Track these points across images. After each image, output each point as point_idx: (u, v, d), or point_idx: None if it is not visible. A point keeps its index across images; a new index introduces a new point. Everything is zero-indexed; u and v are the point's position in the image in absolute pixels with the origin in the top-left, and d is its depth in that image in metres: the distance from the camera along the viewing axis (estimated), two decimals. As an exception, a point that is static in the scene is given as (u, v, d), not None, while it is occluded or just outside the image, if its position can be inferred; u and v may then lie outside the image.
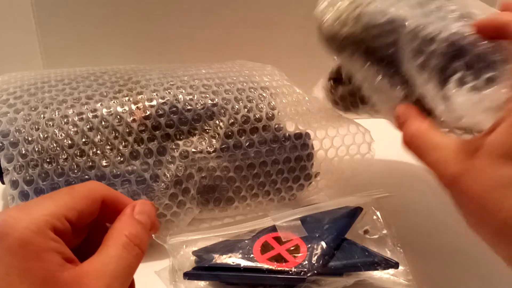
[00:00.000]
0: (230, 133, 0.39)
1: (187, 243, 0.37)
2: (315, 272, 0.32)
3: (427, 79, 0.29)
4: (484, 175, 0.24)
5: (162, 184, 0.37)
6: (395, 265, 0.34)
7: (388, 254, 0.36)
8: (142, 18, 0.53)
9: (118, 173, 0.36)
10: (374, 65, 0.33)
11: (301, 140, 0.42)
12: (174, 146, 0.38)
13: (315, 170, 0.43)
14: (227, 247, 0.36)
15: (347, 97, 0.42)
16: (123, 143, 0.37)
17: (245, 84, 0.42)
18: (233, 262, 0.34)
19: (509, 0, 0.29)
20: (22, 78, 0.41)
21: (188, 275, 0.35)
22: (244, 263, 0.34)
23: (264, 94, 0.42)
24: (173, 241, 0.36)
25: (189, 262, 0.36)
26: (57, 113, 0.37)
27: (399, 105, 0.31)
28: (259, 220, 0.38)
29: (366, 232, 0.38)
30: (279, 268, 0.33)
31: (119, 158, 0.37)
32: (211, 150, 0.39)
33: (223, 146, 0.39)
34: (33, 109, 0.37)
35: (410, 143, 0.29)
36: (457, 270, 0.38)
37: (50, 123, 0.36)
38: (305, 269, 0.33)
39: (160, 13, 0.53)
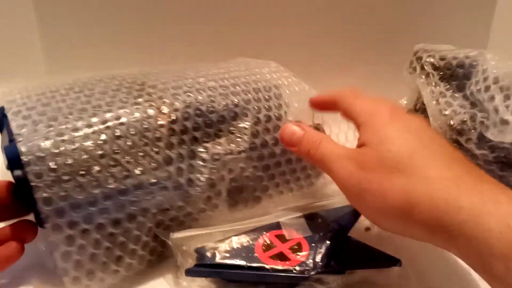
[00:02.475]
0: (256, 132, 0.41)
1: (190, 239, 0.37)
2: (319, 270, 0.33)
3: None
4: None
5: (198, 188, 0.38)
6: (398, 263, 0.35)
7: (390, 251, 0.37)
8: (143, 16, 0.53)
9: (155, 180, 0.36)
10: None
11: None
12: (202, 149, 0.39)
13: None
14: (228, 244, 0.36)
15: None
16: (155, 149, 0.37)
17: (259, 83, 0.43)
18: (236, 260, 0.35)
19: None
20: (26, 89, 0.39)
21: (190, 272, 0.35)
22: (246, 261, 0.34)
23: (278, 92, 0.44)
24: (176, 237, 0.36)
25: (192, 259, 0.36)
26: (80, 122, 0.36)
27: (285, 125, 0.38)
28: (262, 217, 0.39)
29: (367, 229, 0.40)
30: (282, 267, 0.34)
31: (153, 165, 0.36)
32: (241, 150, 0.40)
33: (252, 145, 0.40)
34: (52, 119, 0.35)
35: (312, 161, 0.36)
36: (459, 266, 0.39)
37: (74, 133, 0.35)
38: (309, 268, 0.33)
39: (161, 11, 0.53)
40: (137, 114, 0.37)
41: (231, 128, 0.40)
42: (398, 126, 0.33)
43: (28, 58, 0.50)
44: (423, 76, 0.46)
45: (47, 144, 0.34)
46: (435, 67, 0.46)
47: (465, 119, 0.41)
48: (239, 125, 0.40)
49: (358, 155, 0.33)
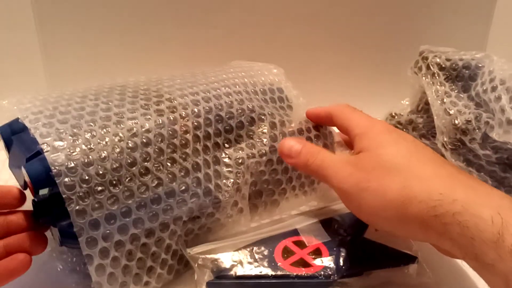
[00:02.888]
0: (274, 136, 0.41)
1: (206, 252, 0.37)
2: (344, 274, 0.34)
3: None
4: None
5: (226, 194, 0.38)
6: (415, 260, 0.36)
7: (403, 249, 0.38)
8: (142, 18, 0.51)
9: (185, 187, 0.36)
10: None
11: (322, 139, 0.46)
12: (224, 155, 0.39)
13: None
14: (247, 253, 0.36)
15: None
16: (183, 156, 0.36)
17: (264, 86, 0.44)
18: (260, 270, 0.35)
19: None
20: (36, 98, 0.37)
21: (211, 285, 0.35)
22: (269, 270, 0.35)
23: (283, 96, 0.45)
24: (193, 251, 0.36)
25: (209, 271, 0.36)
26: (105, 130, 0.34)
27: (283, 140, 0.39)
28: (277, 225, 0.40)
29: (377, 229, 0.39)
30: (308, 273, 0.34)
31: (183, 172, 0.36)
32: (262, 153, 0.40)
33: (271, 149, 0.41)
34: (76, 128, 0.34)
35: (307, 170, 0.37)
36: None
37: (102, 142, 0.34)
38: (333, 272, 0.34)
39: (160, 13, 0.52)
40: (161, 121, 0.36)
41: (250, 133, 0.41)
42: (394, 136, 0.35)
43: (27, 58, 0.48)
44: (429, 76, 0.48)
45: (77, 153, 0.32)
46: (441, 67, 0.48)
47: (470, 119, 0.43)
48: (258, 130, 0.41)
49: (356, 159, 0.35)
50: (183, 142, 0.37)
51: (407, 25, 0.65)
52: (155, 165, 0.35)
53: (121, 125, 0.35)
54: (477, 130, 0.43)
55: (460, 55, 0.48)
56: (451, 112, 0.45)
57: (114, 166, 0.33)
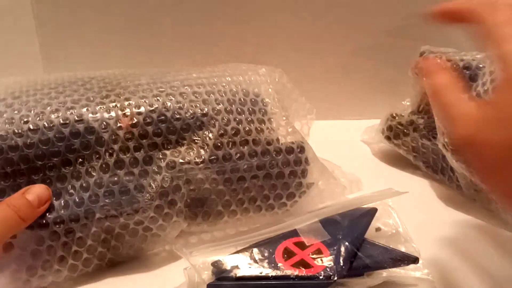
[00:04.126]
0: (219, 144, 0.39)
1: (207, 254, 0.36)
2: (345, 274, 0.34)
3: None
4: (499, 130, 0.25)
5: (147, 195, 0.37)
6: (416, 260, 0.36)
7: (403, 250, 0.38)
8: (143, 18, 0.54)
9: (102, 183, 0.36)
10: None
11: (293, 155, 0.42)
12: (161, 156, 0.38)
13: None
14: (248, 254, 0.36)
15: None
16: (109, 152, 0.37)
17: (236, 95, 0.42)
18: (260, 271, 0.35)
19: None
20: (7, 83, 0.41)
21: (213, 287, 0.34)
22: (270, 271, 0.35)
23: (254, 108, 0.42)
24: (192, 254, 0.36)
25: (208, 272, 0.36)
26: (40, 116, 0.37)
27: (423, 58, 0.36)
28: (276, 226, 0.38)
29: (378, 230, 0.40)
30: (308, 274, 0.34)
31: (103, 167, 0.37)
32: (199, 161, 0.39)
33: (212, 157, 0.39)
34: (16, 111, 0.37)
35: (434, 97, 0.30)
36: (471, 256, 0.41)
37: (33, 128, 0.36)
38: (333, 273, 0.34)
39: (161, 14, 0.54)
40: (98, 114, 0.38)
41: (195, 138, 0.39)
42: None
43: (26, 58, 0.53)
44: None
45: (5, 137, 0.35)
46: None
47: None
48: (204, 135, 0.39)
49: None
50: (113, 137, 0.37)
51: (408, 25, 0.60)
52: (79, 157, 0.36)
53: (57, 114, 0.37)
54: None
55: (460, 55, 0.47)
56: None
57: (38, 153, 0.36)
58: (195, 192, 0.40)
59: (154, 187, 0.38)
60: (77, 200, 0.36)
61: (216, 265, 0.35)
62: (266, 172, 0.41)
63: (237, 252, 0.36)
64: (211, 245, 0.37)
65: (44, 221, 0.35)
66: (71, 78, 0.43)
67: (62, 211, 0.36)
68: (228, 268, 0.35)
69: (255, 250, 0.36)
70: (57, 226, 0.36)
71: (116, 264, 0.39)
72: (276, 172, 0.41)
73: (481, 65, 0.45)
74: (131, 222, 0.38)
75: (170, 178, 0.38)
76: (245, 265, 0.35)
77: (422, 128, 0.52)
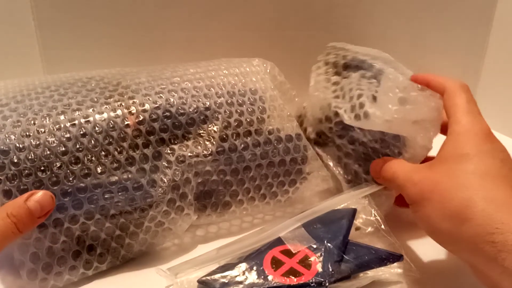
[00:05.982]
0: (225, 136, 0.41)
1: (191, 272, 0.36)
2: (338, 277, 0.35)
3: None
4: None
5: (160, 189, 0.39)
6: (400, 258, 0.37)
7: (387, 247, 0.38)
8: (143, 18, 0.55)
9: (114, 180, 0.38)
10: None
11: (293, 143, 0.44)
12: (169, 151, 0.40)
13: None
14: (235, 269, 0.35)
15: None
16: (118, 149, 0.38)
17: (235, 86, 0.44)
18: (252, 286, 0.34)
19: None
20: (5, 87, 0.42)
21: None
22: (262, 283, 0.34)
23: (254, 97, 0.44)
24: (177, 274, 0.35)
25: None
26: (48, 119, 0.38)
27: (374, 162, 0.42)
28: (259, 236, 0.38)
29: (357, 229, 0.40)
30: (299, 282, 0.34)
31: (114, 164, 0.38)
32: (208, 154, 0.40)
33: (219, 149, 0.41)
34: (22, 115, 0.38)
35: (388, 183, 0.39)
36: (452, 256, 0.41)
37: (41, 129, 0.37)
38: (324, 278, 0.34)
39: (160, 13, 0.55)
40: (105, 114, 0.39)
41: (200, 131, 0.41)
42: (485, 148, 0.34)
43: (26, 59, 0.53)
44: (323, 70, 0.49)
45: (12, 138, 0.36)
46: (335, 65, 0.48)
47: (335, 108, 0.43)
48: (209, 128, 0.41)
49: (429, 170, 0.35)
50: (122, 135, 0.39)
51: (407, 28, 0.64)
52: (87, 156, 0.37)
53: (64, 116, 0.38)
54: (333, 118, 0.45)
55: (358, 52, 0.47)
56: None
57: (46, 153, 0.36)
58: (203, 185, 0.41)
59: (166, 181, 0.39)
60: (90, 196, 0.37)
61: (204, 283, 0.35)
62: (269, 160, 0.43)
63: (223, 267, 0.36)
64: (194, 263, 0.36)
65: (59, 219, 0.36)
66: (69, 79, 0.43)
67: (76, 210, 0.37)
68: (216, 285, 0.34)
69: (243, 264, 0.36)
70: (71, 223, 0.37)
71: (128, 260, 0.41)
72: (278, 160, 0.43)
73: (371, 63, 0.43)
74: (146, 219, 0.39)
75: (181, 172, 0.40)
76: (234, 280, 0.35)
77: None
